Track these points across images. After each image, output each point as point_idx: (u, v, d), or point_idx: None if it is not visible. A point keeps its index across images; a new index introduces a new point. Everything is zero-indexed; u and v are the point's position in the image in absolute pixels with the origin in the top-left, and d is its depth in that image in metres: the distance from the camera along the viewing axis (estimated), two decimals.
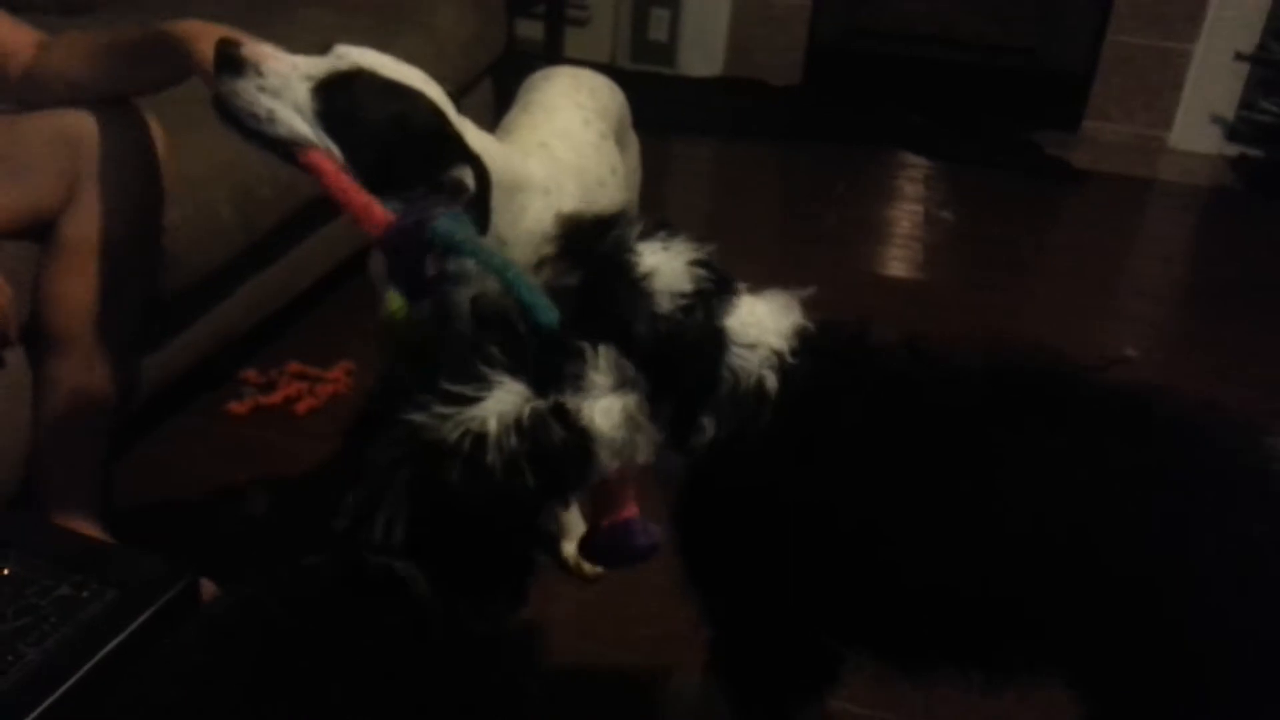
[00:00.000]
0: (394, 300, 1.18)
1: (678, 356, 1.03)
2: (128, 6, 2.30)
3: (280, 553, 1.61)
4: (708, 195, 3.31)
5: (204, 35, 1.27)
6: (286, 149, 1.23)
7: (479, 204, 1.28)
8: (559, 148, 1.55)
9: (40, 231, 1.39)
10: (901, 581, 1.02)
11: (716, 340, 1.05)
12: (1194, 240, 3.19)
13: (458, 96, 2.35)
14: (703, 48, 3.80)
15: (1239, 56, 3.35)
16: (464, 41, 2.54)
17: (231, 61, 1.19)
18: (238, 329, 1.92)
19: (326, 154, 1.22)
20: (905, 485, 1.01)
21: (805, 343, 1.07)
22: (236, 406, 1.93)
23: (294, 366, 2.03)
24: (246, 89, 1.20)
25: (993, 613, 1.00)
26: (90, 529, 1.45)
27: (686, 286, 1.04)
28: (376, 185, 1.23)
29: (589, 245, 1.07)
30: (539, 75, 1.82)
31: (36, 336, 1.42)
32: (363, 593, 0.93)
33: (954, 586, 1.00)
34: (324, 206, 1.96)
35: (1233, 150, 3.47)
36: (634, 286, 1.03)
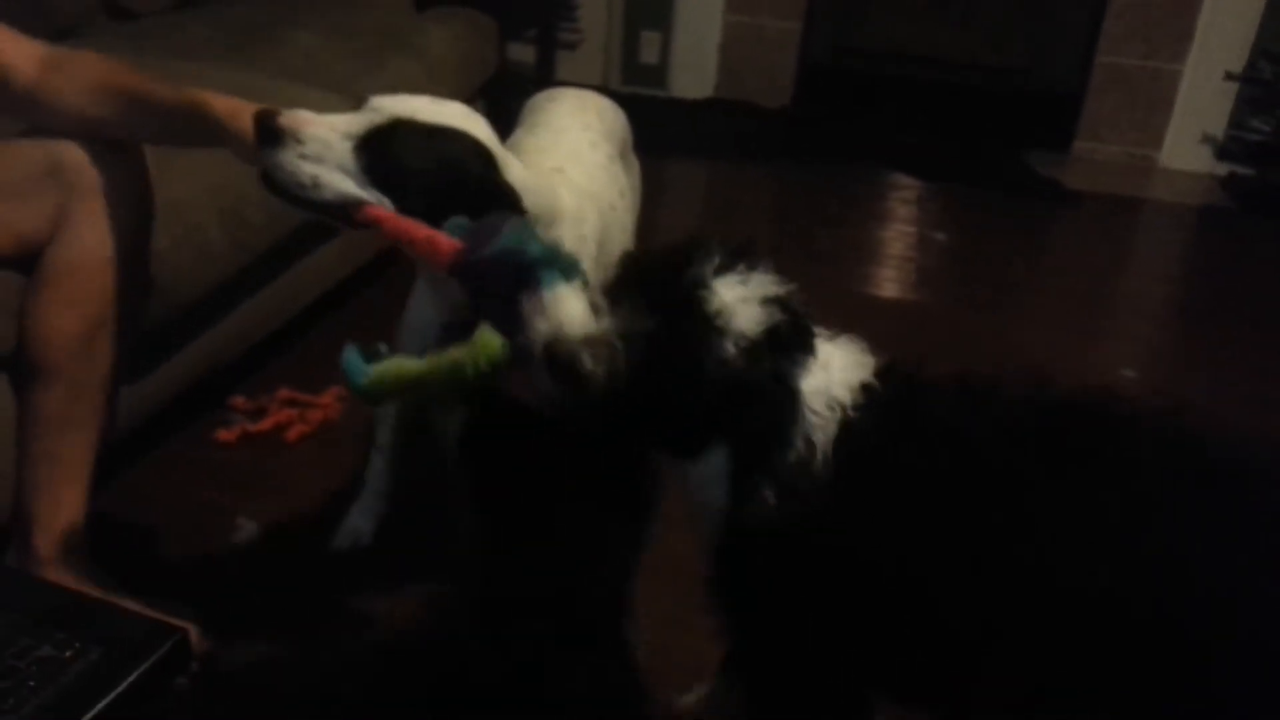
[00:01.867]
0: (489, 343, 1.15)
1: (743, 409, 0.98)
2: (111, 32, 2.30)
3: (271, 583, 1.60)
4: (700, 217, 3.30)
5: (242, 112, 1.25)
6: (339, 211, 1.22)
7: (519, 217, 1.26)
8: (574, 173, 1.53)
9: (27, 261, 1.36)
10: (949, 632, 1.00)
11: (788, 401, 0.99)
12: (1186, 259, 3.20)
13: None
14: (694, 70, 3.81)
15: (1228, 76, 3.37)
16: (456, 65, 2.54)
17: (270, 133, 1.18)
18: (227, 355, 1.89)
19: (379, 205, 1.21)
20: (956, 540, 0.98)
21: (868, 395, 1.03)
22: (225, 434, 1.90)
23: (284, 393, 2.00)
24: (289, 159, 1.19)
25: (1039, 661, 0.99)
26: (76, 566, 1.42)
27: (756, 329, 0.97)
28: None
29: (663, 286, 1.00)
30: (544, 96, 1.81)
31: (20, 367, 1.39)
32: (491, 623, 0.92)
33: (1002, 638, 0.98)
34: (315, 231, 1.95)
35: (1223, 169, 3.48)
36: (700, 328, 0.96)
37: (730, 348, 0.96)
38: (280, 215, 1.82)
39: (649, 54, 3.84)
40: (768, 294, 0.99)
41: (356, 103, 1.26)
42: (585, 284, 1.06)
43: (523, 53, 3.50)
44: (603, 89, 1.89)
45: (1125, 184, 3.42)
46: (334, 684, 1.43)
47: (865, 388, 1.03)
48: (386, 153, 1.20)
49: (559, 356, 0.98)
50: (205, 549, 1.65)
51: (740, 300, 0.97)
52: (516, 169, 1.32)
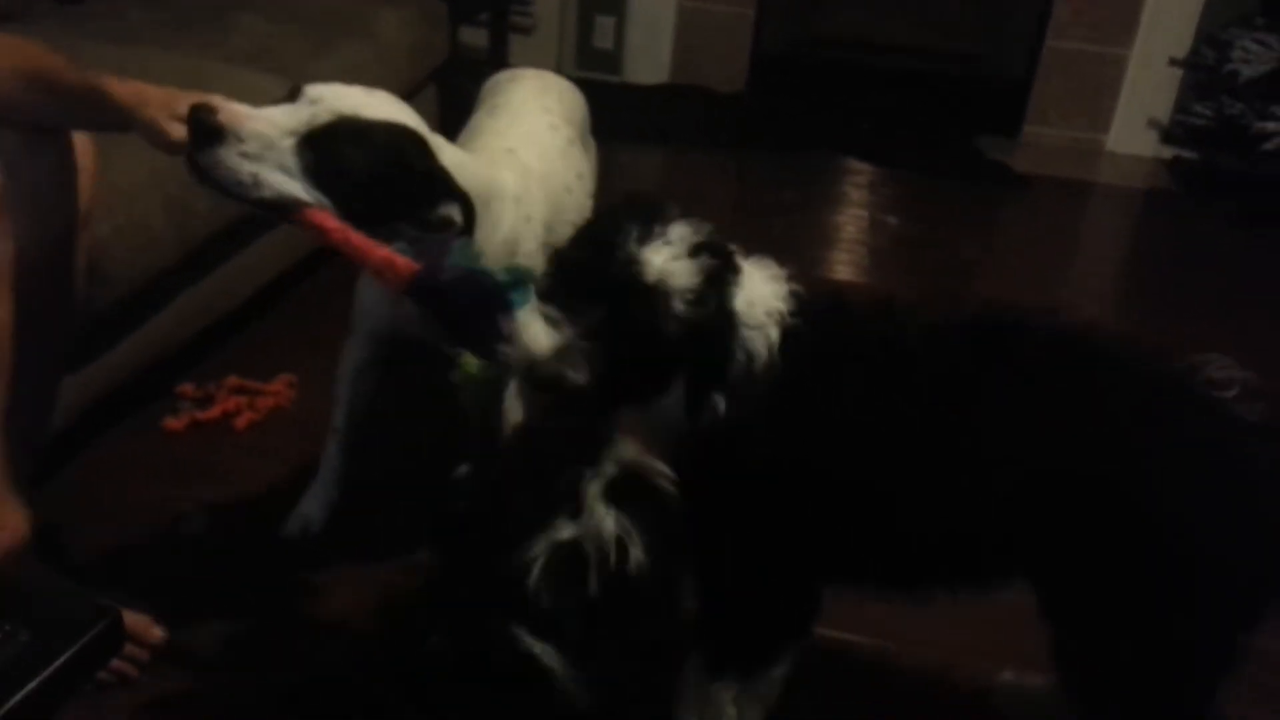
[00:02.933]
0: (468, 364, 1.18)
1: (698, 348, 1.06)
2: (54, 16, 2.25)
3: (222, 572, 1.58)
4: None
5: (149, 100, 1.22)
6: (279, 209, 1.20)
7: (463, 235, 1.27)
8: (526, 154, 1.53)
9: None
10: (899, 521, 1.10)
11: (730, 325, 1.07)
12: (1132, 242, 3.26)
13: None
14: (648, 55, 3.80)
15: (1173, 62, 3.43)
16: (406, 49, 2.51)
17: (208, 129, 1.15)
18: (173, 342, 1.87)
19: (320, 208, 1.19)
20: (899, 434, 1.08)
21: (799, 307, 1.11)
22: (172, 422, 1.87)
23: (232, 380, 1.98)
24: (228, 157, 1.16)
25: (977, 537, 1.10)
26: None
27: (695, 281, 1.04)
28: (364, 228, 1.22)
29: (600, 275, 1.05)
30: (504, 76, 1.80)
31: None
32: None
33: (946, 519, 1.08)
34: (262, 216, 1.92)
35: (1168, 153, 3.54)
36: (650, 301, 1.03)
37: (679, 305, 1.03)
38: (226, 202, 1.79)
39: (603, 39, 3.82)
40: (692, 243, 1.06)
41: (290, 92, 1.23)
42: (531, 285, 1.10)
43: (475, 36, 3.47)
44: (556, 73, 1.89)
45: (1073, 168, 3.47)
46: (289, 672, 1.42)
47: (795, 295, 1.12)
48: (330, 154, 1.18)
49: (541, 377, 1.05)
50: (154, 539, 1.63)
51: (672, 260, 1.04)
52: (449, 153, 1.32)
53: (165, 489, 1.73)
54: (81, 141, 1.37)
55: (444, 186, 1.27)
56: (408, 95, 2.51)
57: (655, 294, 1.03)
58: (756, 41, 3.77)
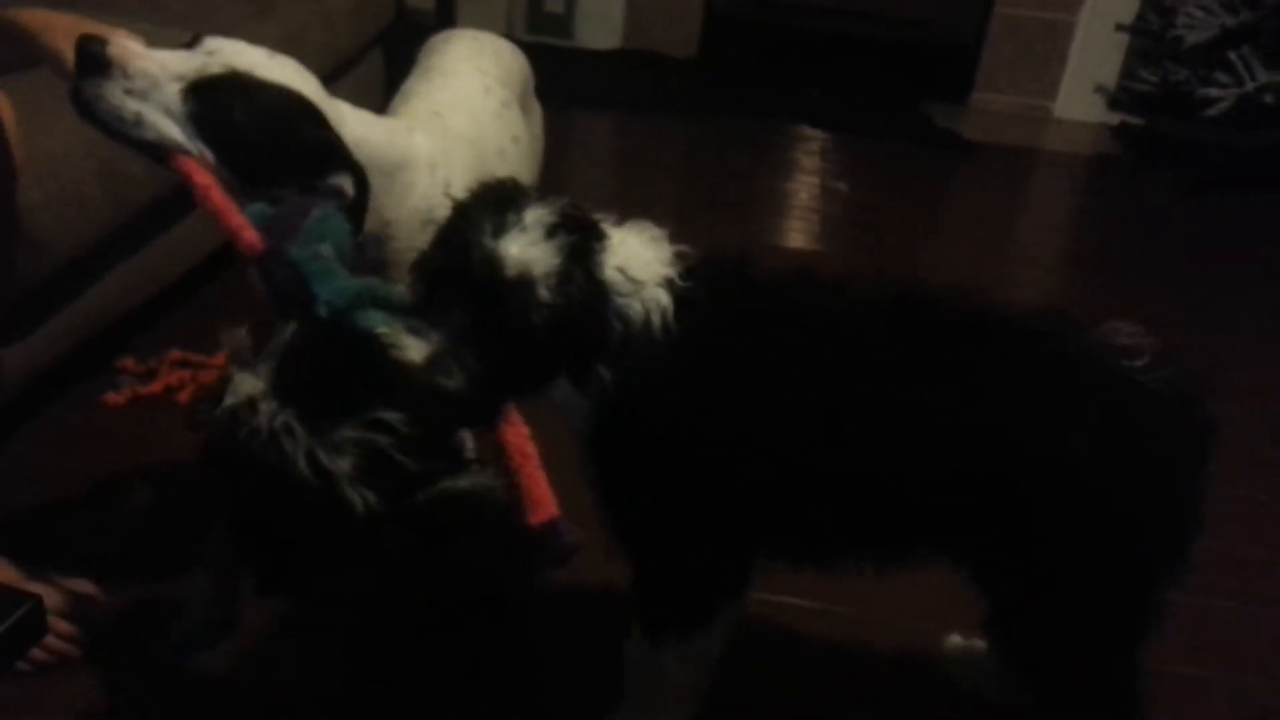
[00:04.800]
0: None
1: (571, 328, 1.03)
2: None
3: (164, 550, 1.55)
4: (607, 169, 3.28)
5: (53, 26, 1.18)
6: (156, 151, 1.17)
7: (356, 209, 1.24)
8: (453, 117, 1.50)
9: None
10: (801, 489, 1.10)
11: (599, 297, 1.05)
12: (1079, 207, 3.30)
13: (346, 67, 2.28)
14: (600, 19, 3.76)
15: (1119, 28, 3.46)
16: (350, 11, 2.45)
17: (95, 61, 1.12)
18: (112, 315, 1.82)
19: (200, 159, 1.16)
20: (805, 397, 1.07)
21: (689, 270, 1.09)
22: (113, 397, 1.83)
23: (175, 354, 1.93)
24: (112, 91, 1.13)
25: (889, 506, 1.10)
26: None
27: (556, 262, 1.02)
28: (251, 186, 1.20)
29: (460, 278, 1.03)
30: (440, 38, 1.76)
31: None
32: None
33: (857, 487, 1.09)
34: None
35: (1114, 119, 3.58)
36: (513, 296, 1.01)
37: (544, 292, 1.01)
38: (162, 170, 1.74)
39: (554, 3, 3.77)
40: (548, 224, 1.03)
41: (191, 40, 1.20)
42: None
43: None
44: (506, 38, 1.85)
45: (1021, 134, 3.50)
46: (235, 644, 1.41)
47: (685, 264, 1.10)
48: (215, 105, 1.16)
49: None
50: (98, 516, 1.60)
51: (529, 247, 1.01)
52: (352, 122, 1.29)
53: (107, 464, 1.69)
54: (2, 104, 1.32)
55: (335, 156, 1.24)
56: (352, 59, 2.46)
57: (518, 287, 1.00)
58: (709, 6, 3.74)
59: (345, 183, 1.24)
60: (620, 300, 1.06)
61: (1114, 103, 3.58)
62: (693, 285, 1.08)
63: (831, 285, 1.14)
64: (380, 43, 2.62)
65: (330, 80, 2.41)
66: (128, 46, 1.14)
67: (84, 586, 1.40)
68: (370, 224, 1.28)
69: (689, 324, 1.06)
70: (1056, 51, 3.56)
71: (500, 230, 1.02)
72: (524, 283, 1.01)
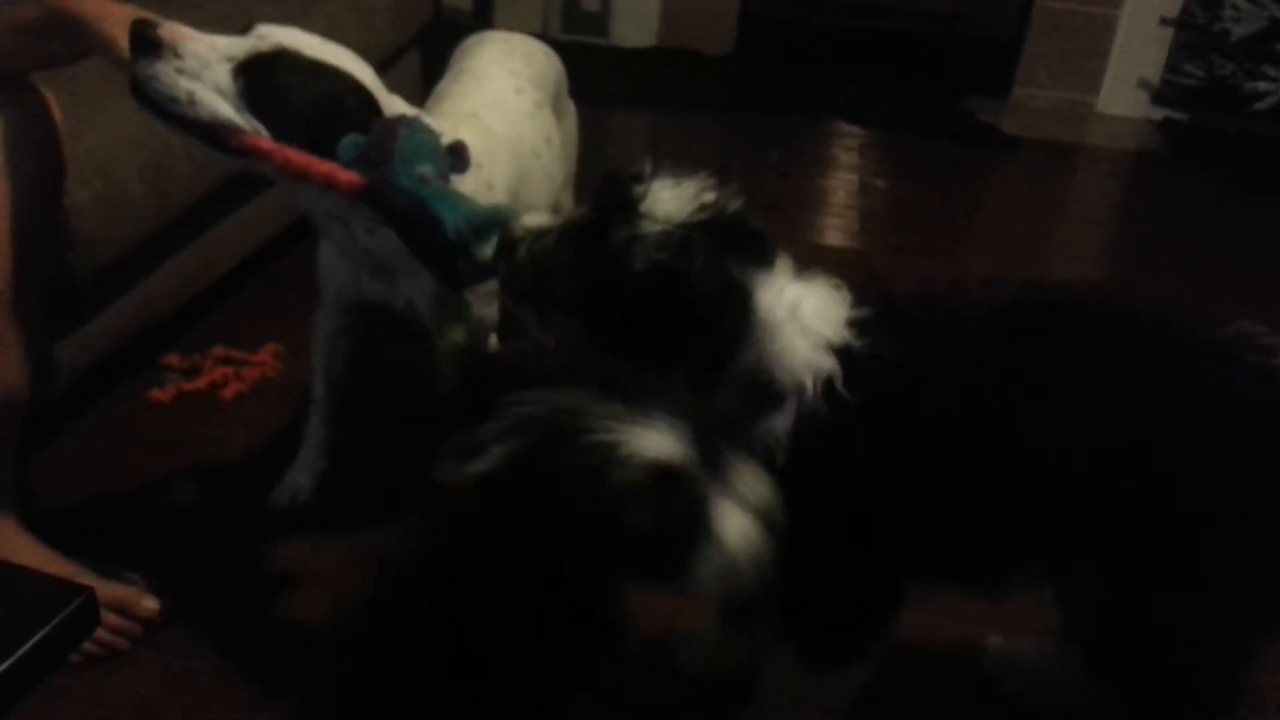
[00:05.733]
0: (454, 332, 1.18)
1: (679, 293, 0.98)
2: None
3: (209, 545, 1.57)
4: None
5: (109, 15, 1.20)
6: (212, 134, 1.18)
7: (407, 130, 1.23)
8: (490, 118, 1.51)
9: None
10: (984, 516, 1.06)
11: (735, 293, 0.99)
12: (1121, 204, 3.25)
13: (384, 67, 2.29)
14: (636, 18, 3.76)
15: (1164, 21, 3.40)
16: (388, 11, 2.46)
17: (147, 43, 1.14)
18: (158, 312, 1.84)
19: (255, 133, 1.18)
20: (976, 431, 1.03)
21: (859, 325, 1.06)
22: (159, 394, 1.86)
23: (219, 350, 1.96)
24: (165, 71, 1.15)
25: (1060, 521, 1.05)
26: (6, 529, 1.39)
27: (684, 218, 0.98)
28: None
29: (602, 184, 1.03)
30: (471, 41, 1.78)
31: None
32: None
33: (1026, 510, 1.05)
34: (245, 182, 1.89)
35: (1158, 114, 3.53)
36: (626, 208, 0.98)
37: (653, 231, 0.96)
38: (206, 168, 1.77)
39: (590, 1, 3.77)
40: (703, 196, 1.00)
41: (244, 28, 1.22)
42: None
43: None
44: (543, 37, 1.86)
45: (1063, 129, 3.45)
46: (282, 641, 1.42)
47: (855, 321, 1.05)
48: (266, 80, 1.17)
49: (505, 242, 1.04)
50: (143, 510, 1.62)
51: (668, 193, 0.99)
52: (402, 110, 1.29)
53: (153, 460, 1.72)
54: (51, 105, 1.34)
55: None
56: (390, 59, 2.48)
57: (629, 207, 0.97)
58: (745, 3, 3.72)
59: None
60: (791, 339, 1.02)
61: (1158, 97, 3.52)
62: (863, 335, 1.05)
63: (970, 308, 1.11)
64: (418, 43, 2.64)
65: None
66: (179, 28, 1.16)
67: (130, 580, 1.42)
68: None
69: (862, 370, 1.03)
70: (1099, 45, 3.51)
71: (659, 175, 1.00)
72: (637, 211, 0.97)
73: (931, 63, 3.68)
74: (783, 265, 1.07)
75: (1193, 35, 3.35)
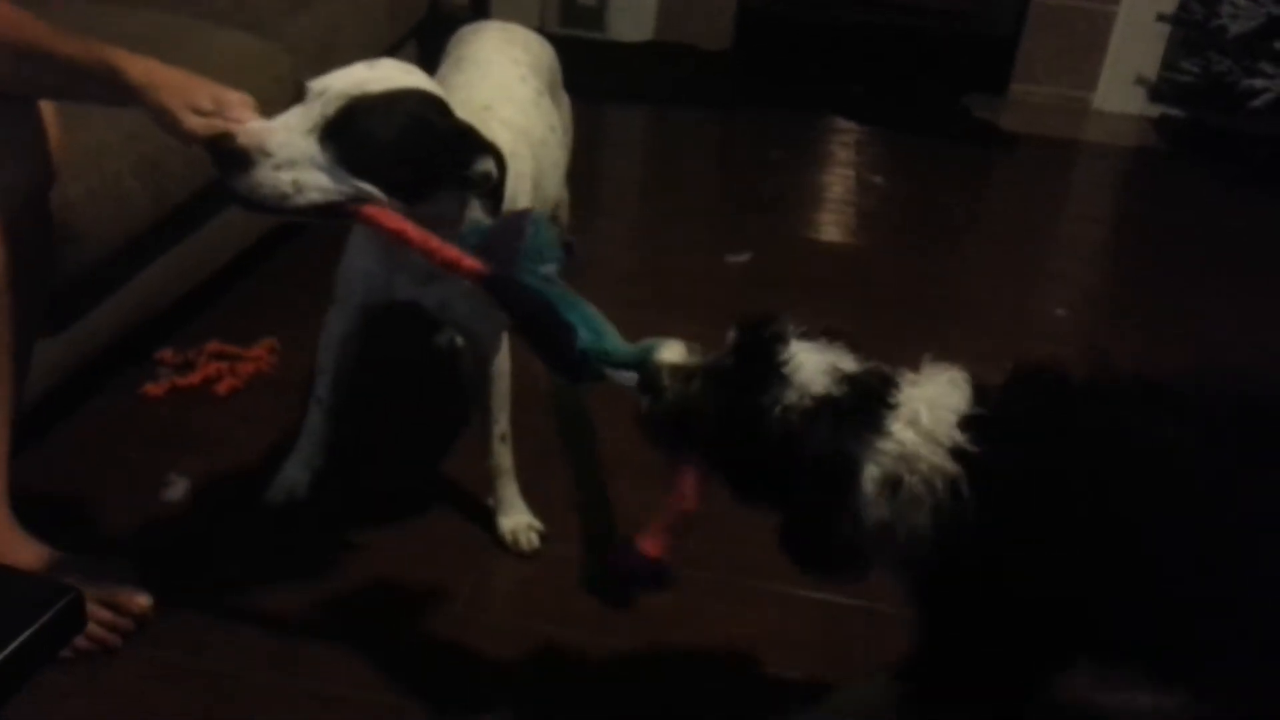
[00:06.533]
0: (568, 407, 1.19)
1: (791, 466, 1.03)
2: None
3: (203, 540, 1.57)
4: (640, 162, 3.27)
5: (160, 83, 1.17)
6: (327, 211, 1.18)
7: (497, 190, 1.26)
8: (504, 109, 1.50)
9: None
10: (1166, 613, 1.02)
11: (844, 468, 1.02)
12: (1119, 200, 3.25)
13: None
14: (633, 12, 3.74)
15: (1161, 18, 3.40)
16: (384, 4, 2.46)
17: (235, 156, 1.13)
18: (152, 307, 1.84)
19: (369, 198, 1.18)
20: (1132, 530, 1.00)
21: (980, 423, 1.03)
22: (152, 388, 1.85)
23: (213, 345, 1.95)
24: (264, 175, 1.14)
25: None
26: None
27: (817, 390, 1.03)
28: (416, 202, 1.21)
29: (746, 334, 1.08)
30: (468, 30, 1.78)
31: None
32: None
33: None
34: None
35: (1155, 110, 3.53)
36: (771, 368, 1.04)
37: (793, 396, 1.02)
38: (200, 163, 1.75)
39: None
40: (841, 366, 1.05)
41: (296, 92, 1.20)
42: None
43: None
44: (539, 31, 1.86)
45: (1060, 126, 3.45)
46: (277, 637, 1.42)
47: (972, 420, 1.03)
48: (353, 136, 1.16)
49: (650, 380, 1.10)
50: (137, 505, 1.61)
51: (811, 362, 1.04)
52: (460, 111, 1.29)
53: (147, 455, 1.71)
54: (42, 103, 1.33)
55: (473, 141, 1.25)
56: (387, 52, 2.47)
57: (774, 369, 1.03)
58: None
59: (489, 165, 1.25)
60: (914, 460, 1.02)
61: (1155, 94, 3.52)
62: (984, 445, 1.02)
63: (1108, 399, 1.07)
64: (415, 36, 2.63)
65: None
66: (255, 129, 1.15)
67: (122, 574, 1.41)
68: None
69: (990, 483, 1.01)
70: (1096, 42, 3.51)
71: (805, 337, 1.07)
72: (781, 373, 1.03)
73: (929, 59, 3.67)
74: (905, 386, 1.07)
75: (1190, 32, 3.35)
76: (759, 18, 3.74)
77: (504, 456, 1.59)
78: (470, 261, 1.14)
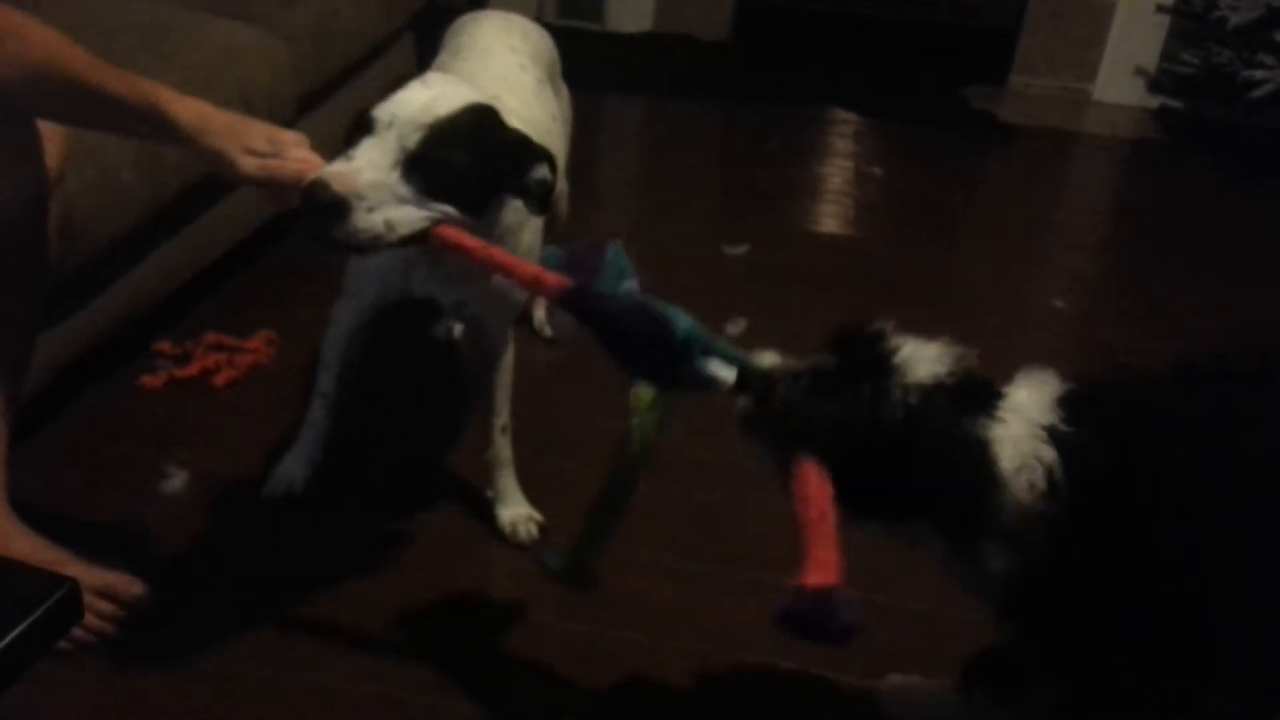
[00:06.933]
0: (643, 394, 1.17)
1: (914, 461, 1.02)
2: None
3: (201, 532, 1.57)
4: (638, 153, 3.26)
5: (211, 128, 1.16)
6: (414, 240, 1.19)
7: (547, 194, 1.29)
8: (509, 99, 1.50)
9: None
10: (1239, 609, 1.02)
11: (976, 453, 1.02)
12: (1118, 192, 3.24)
13: (377, 53, 2.28)
14: (631, 3, 3.74)
15: (1160, 9, 3.39)
16: None
17: (331, 205, 1.12)
18: (149, 299, 1.83)
19: (446, 220, 1.19)
20: (1223, 522, 1.01)
21: (1070, 412, 1.04)
22: (150, 380, 1.84)
23: (211, 337, 1.95)
24: (360, 219, 1.14)
25: None
26: None
27: (928, 378, 1.03)
28: (480, 212, 1.24)
29: (849, 335, 1.08)
30: (467, 19, 1.77)
31: None
32: None
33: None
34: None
35: (1154, 102, 3.52)
36: (882, 367, 1.03)
37: (904, 393, 1.02)
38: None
39: None
40: (948, 358, 1.05)
41: (357, 123, 1.20)
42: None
43: None
44: (537, 21, 1.85)
45: (1059, 117, 3.45)
46: (273, 631, 1.42)
47: (1065, 402, 1.04)
48: (434, 166, 1.18)
49: (759, 380, 1.08)
50: (134, 497, 1.61)
51: (920, 357, 1.04)
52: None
53: (144, 447, 1.71)
54: None
55: (531, 149, 1.28)
56: (384, 45, 2.46)
57: (885, 367, 1.02)
58: None
59: (545, 172, 1.27)
60: (1020, 462, 1.02)
61: (1154, 85, 3.51)
62: (1073, 434, 1.02)
63: (1172, 388, 1.09)
64: (411, 28, 2.62)
65: (362, 66, 2.42)
66: (342, 174, 1.14)
67: (124, 583, 1.41)
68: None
69: (1082, 473, 1.01)
70: (1096, 33, 3.50)
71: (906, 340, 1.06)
72: (893, 371, 1.02)
73: (928, 50, 3.67)
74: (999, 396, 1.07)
75: (1189, 23, 3.34)
76: (757, 9, 3.74)
77: (504, 448, 1.59)
78: (553, 278, 1.14)
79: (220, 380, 1.87)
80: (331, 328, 1.55)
